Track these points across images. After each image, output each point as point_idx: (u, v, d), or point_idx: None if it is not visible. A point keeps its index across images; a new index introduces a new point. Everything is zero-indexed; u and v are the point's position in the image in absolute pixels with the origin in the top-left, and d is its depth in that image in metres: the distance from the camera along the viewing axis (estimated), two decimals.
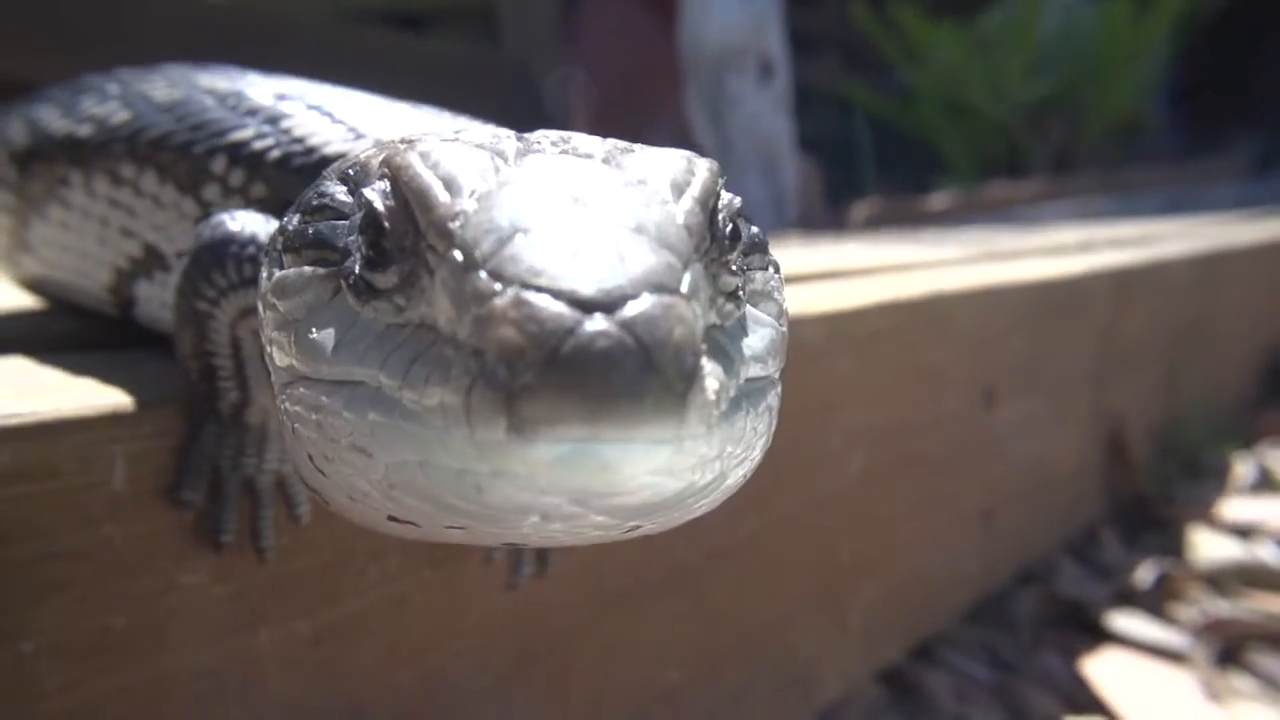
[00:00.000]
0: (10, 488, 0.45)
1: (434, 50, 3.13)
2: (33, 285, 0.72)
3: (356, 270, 0.36)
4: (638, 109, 4.17)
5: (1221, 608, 1.33)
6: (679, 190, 0.35)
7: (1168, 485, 1.73)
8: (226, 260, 0.49)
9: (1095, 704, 1.10)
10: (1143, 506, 1.65)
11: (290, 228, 0.40)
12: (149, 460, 0.51)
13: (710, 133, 4.06)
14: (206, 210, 0.56)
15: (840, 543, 1.01)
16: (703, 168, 0.37)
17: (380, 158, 0.38)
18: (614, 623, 0.76)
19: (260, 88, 0.59)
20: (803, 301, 0.95)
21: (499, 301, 0.30)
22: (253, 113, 0.56)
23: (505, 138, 0.38)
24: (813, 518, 0.96)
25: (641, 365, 0.29)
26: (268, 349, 0.40)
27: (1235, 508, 1.67)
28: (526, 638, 0.70)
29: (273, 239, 0.42)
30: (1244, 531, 1.59)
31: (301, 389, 0.37)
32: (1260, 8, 5.04)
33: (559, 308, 0.30)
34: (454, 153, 0.35)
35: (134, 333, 0.65)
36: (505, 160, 0.35)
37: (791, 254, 1.92)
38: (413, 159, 0.35)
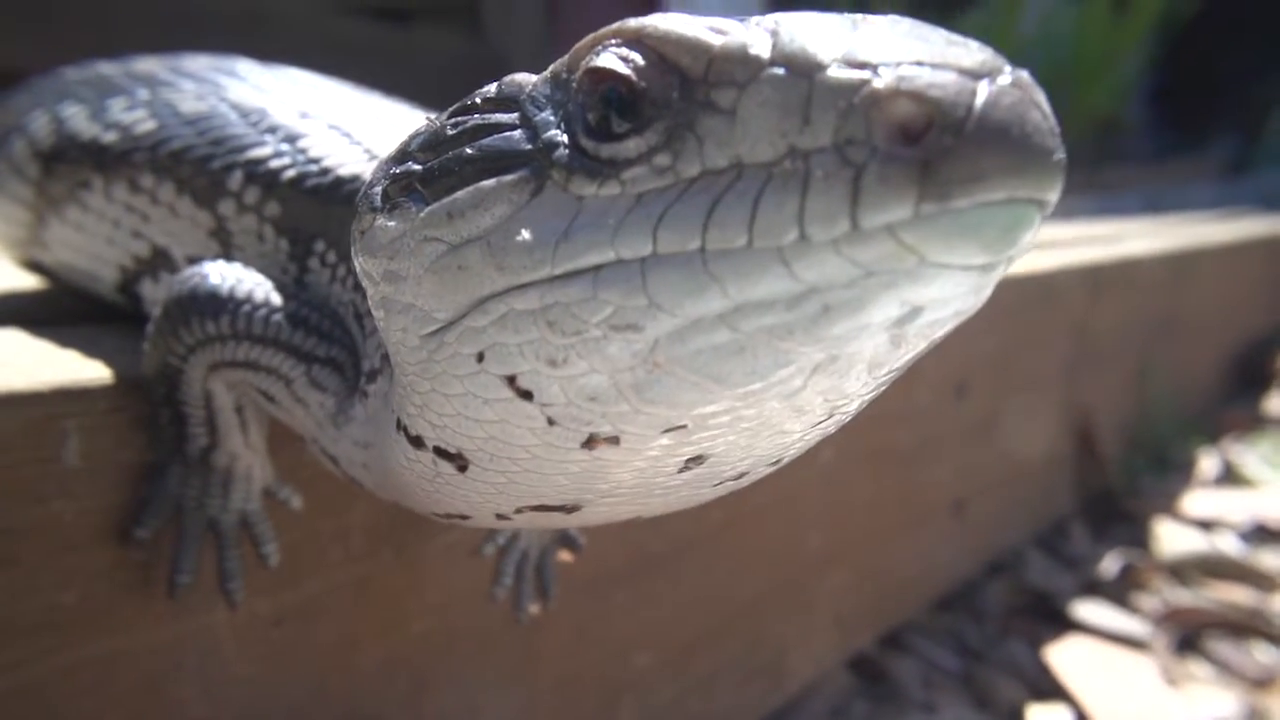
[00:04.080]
0: None
1: (417, 44, 3.10)
2: (40, 270, 0.71)
3: (586, 151, 0.35)
4: None
5: (1182, 597, 1.35)
6: None
7: (1135, 478, 1.75)
8: (201, 315, 0.48)
9: (1058, 690, 1.11)
10: (1110, 499, 1.68)
11: (423, 165, 0.39)
12: (103, 435, 0.50)
13: None
14: (222, 223, 0.56)
15: (809, 533, 1.02)
16: None
17: (589, 43, 0.36)
18: (582, 608, 0.76)
19: (284, 104, 0.58)
20: None
21: (879, 84, 0.29)
22: (272, 130, 0.56)
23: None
24: (781, 508, 0.97)
25: (1046, 123, 0.29)
26: (415, 298, 0.38)
27: (1199, 501, 1.70)
28: (491, 622, 0.70)
29: (391, 184, 0.40)
30: (1207, 524, 1.62)
31: (512, 301, 0.35)
32: (1233, 12, 5.11)
33: (952, 75, 0.29)
34: (690, 18, 0.35)
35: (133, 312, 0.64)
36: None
37: None
38: (666, 18, 0.34)
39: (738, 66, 0.32)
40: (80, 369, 0.51)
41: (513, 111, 0.38)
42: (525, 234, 0.35)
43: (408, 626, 0.65)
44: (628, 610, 0.81)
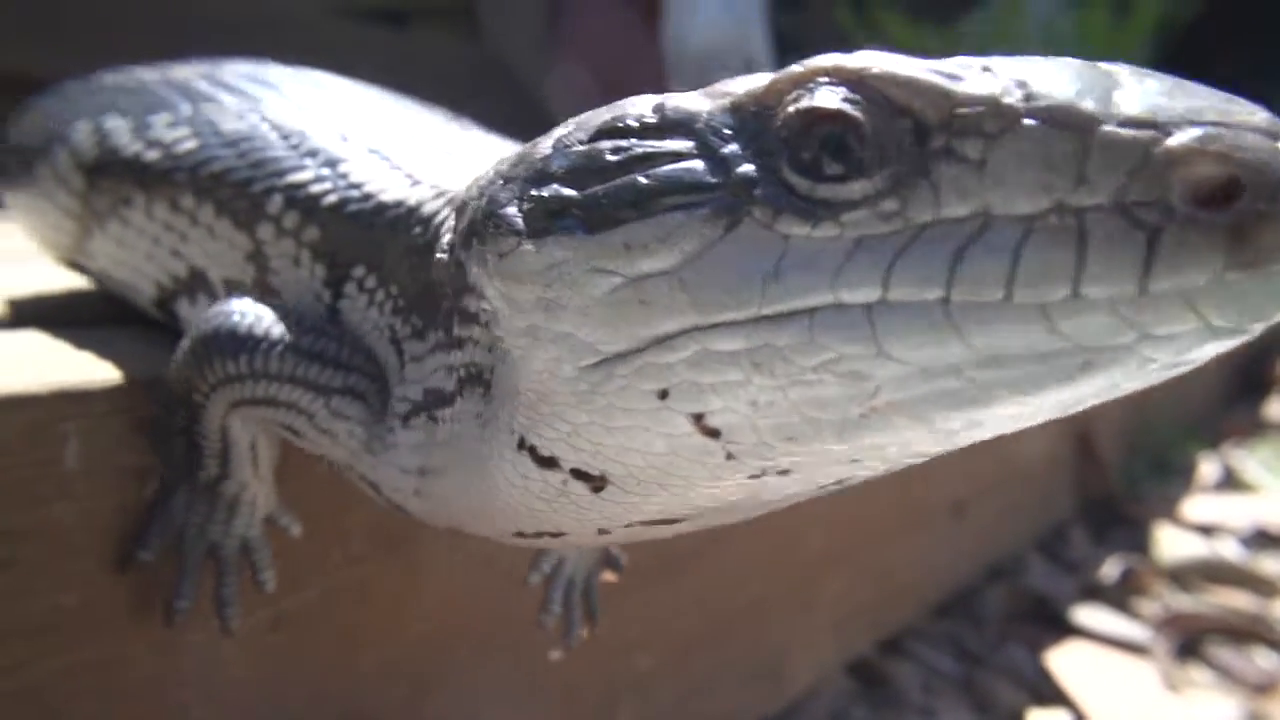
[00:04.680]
0: None
1: (414, 46, 3.11)
2: (83, 272, 0.71)
3: (795, 189, 0.34)
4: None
5: (1183, 603, 1.35)
6: None
7: (1135, 483, 1.75)
8: (226, 354, 0.48)
9: (1058, 695, 1.11)
10: (1111, 504, 1.67)
11: (580, 190, 0.37)
12: (103, 437, 0.50)
13: None
14: (259, 247, 0.55)
15: (810, 536, 1.02)
16: None
17: (789, 80, 0.35)
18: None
19: (323, 125, 0.58)
20: None
21: (1175, 143, 0.29)
22: (313, 154, 0.56)
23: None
24: (783, 511, 0.97)
25: None
26: (577, 328, 0.37)
27: (1200, 506, 1.70)
28: (491, 624, 0.70)
29: (535, 207, 0.38)
30: (1207, 529, 1.61)
31: (708, 340, 0.34)
32: (1232, 16, 5.12)
33: (1254, 136, 0.29)
34: (907, 59, 0.34)
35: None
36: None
37: None
38: (882, 57, 0.34)
39: (988, 118, 0.32)
40: (88, 371, 0.51)
41: (685, 139, 0.36)
42: (725, 271, 0.34)
43: (408, 629, 0.65)
44: (628, 612, 0.81)
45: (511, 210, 0.39)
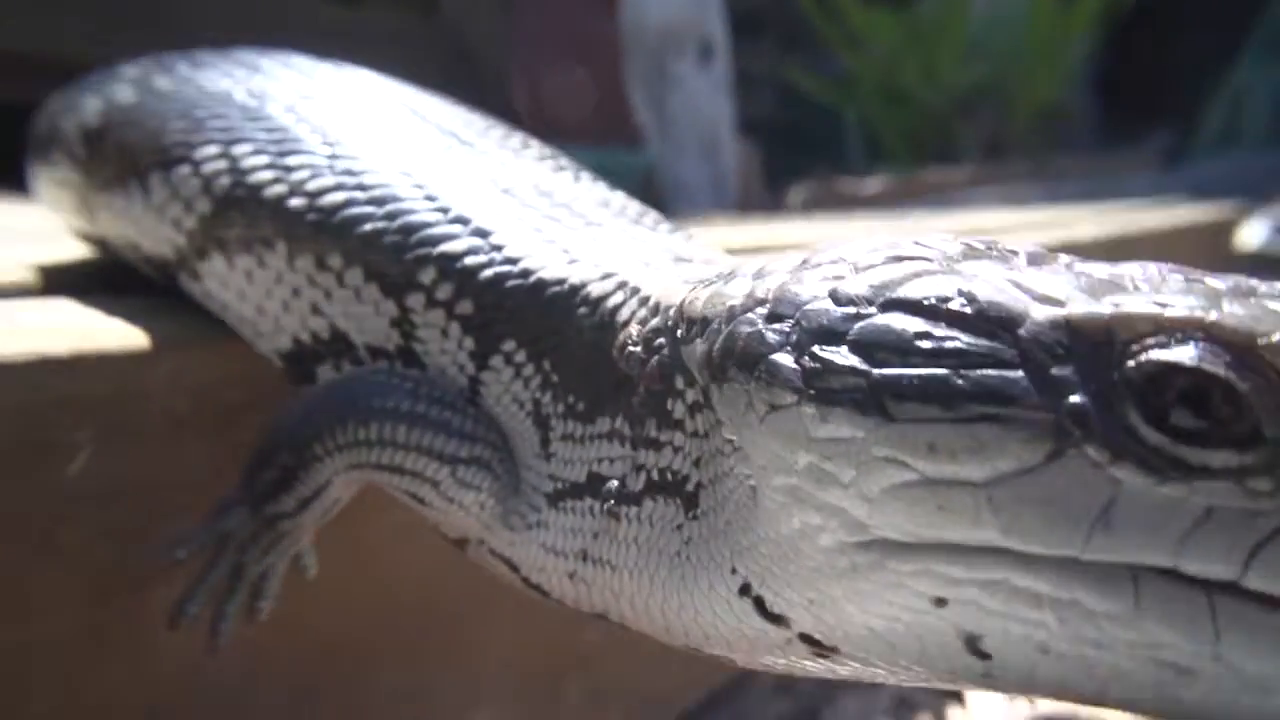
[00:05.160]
0: None
1: (370, 24, 3.05)
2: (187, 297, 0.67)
3: (1144, 439, 0.32)
4: (577, 85, 4.12)
5: None
6: None
7: None
8: (360, 420, 0.49)
9: None
10: None
11: (878, 367, 0.35)
12: (21, 419, 0.49)
13: (650, 112, 4.06)
14: (406, 314, 0.54)
15: None
16: None
17: (1150, 324, 0.33)
18: None
19: (464, 188, 0.57)
20: None
21: None
22: (463, 222, 0.54)
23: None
24: None
25: None
26: (852, 507, 0.35)
27: None
28: (435, 601, 0.70)
29: (819, 368, 0.36)
30: None
31: (1012, 573, 0.33)
32: (1169, 7, 5.26)
33: None
34: None
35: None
36: None
37: (719, 231, 1.95)
38: (1270, 318, 0.32)
39: None
40: (106, 339, 0.50)
41: (1001, 342, 0.34)
42: (1044, 503, 0.32)
43: (349, 609, 0.65)
44: None
45: (786, 360, 0.37)
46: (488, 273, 0.52)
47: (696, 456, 0.42)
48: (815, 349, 0.36)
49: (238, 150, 0.60)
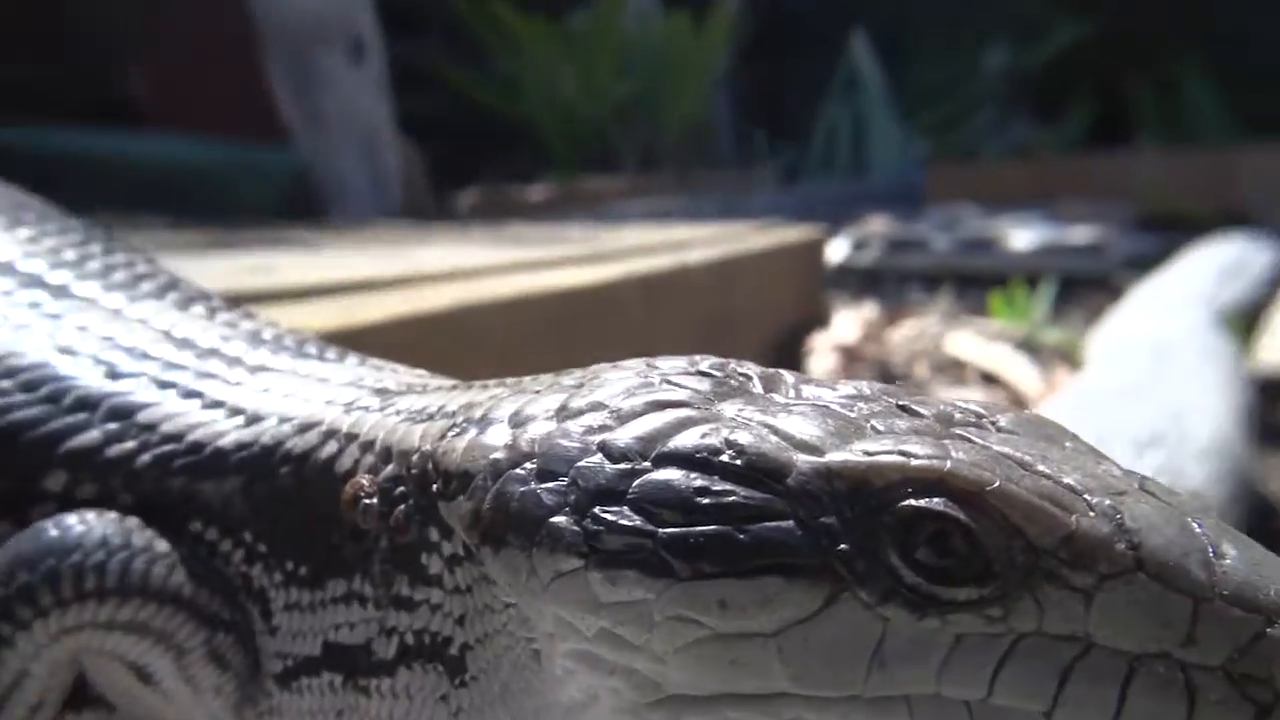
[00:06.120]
0: None
1: None
2: None
3: (902, 579, 0.35)
4: (213, 82, 3.88)
5: None
6: None
7: None
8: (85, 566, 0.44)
9: None
10: None
11: (664, 527, 0.36)
12: None
13: (296, 108, 3.79)
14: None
15: None
16: None
17: (898, 473, 0.36)
18: None
19: (74, 366, 0.50)
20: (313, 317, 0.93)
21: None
22: (87, 406, 0.49)
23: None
24: None
25: None
26: (646, 668, 0.36)
27: None
28: None
29: (605, 531, 0.36)
30: None
31: (805, 712, 0.35)
32: (783, 39, 6.09)
33: None
34: (1025, 484, 0.35)
35: None
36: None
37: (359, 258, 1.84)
38: (996, 483, 0.35)
39: (1101, 560, 0.34)
40: None
41: (772, 493, 0.36)
42: (826, 648, 0.35)
43: None
44: None
45: (567, 524, 0.37)
46: (144, 459, 0.47)
47: (460, 614, 0.41)
48: (596, 510, 0.37)
49: None
